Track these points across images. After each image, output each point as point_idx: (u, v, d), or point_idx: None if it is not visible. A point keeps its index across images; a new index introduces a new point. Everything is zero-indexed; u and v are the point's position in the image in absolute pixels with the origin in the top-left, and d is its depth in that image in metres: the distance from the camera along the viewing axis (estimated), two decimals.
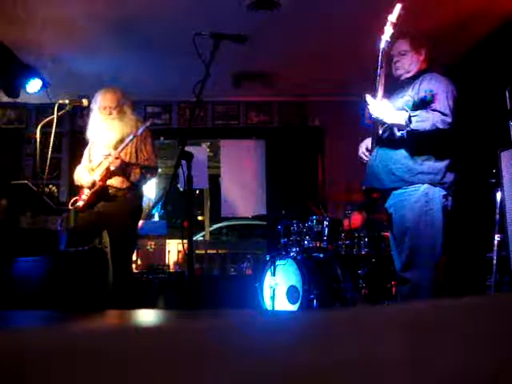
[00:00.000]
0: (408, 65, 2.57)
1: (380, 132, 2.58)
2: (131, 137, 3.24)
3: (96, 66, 4.61)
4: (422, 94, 2.39)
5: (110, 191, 3.27)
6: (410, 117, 2.33)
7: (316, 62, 4.68)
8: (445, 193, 2.42)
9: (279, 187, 5.50)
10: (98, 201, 3.28)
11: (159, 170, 6.06)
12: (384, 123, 2.50)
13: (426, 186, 2.40)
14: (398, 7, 2.37)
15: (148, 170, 3.37)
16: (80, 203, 3.30)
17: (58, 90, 4.71)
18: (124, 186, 3.28)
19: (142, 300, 4.12)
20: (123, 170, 3.25)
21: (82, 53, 4.38)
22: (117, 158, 3.20)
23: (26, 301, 2.57)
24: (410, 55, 2.55)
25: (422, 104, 2.38)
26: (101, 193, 3.26)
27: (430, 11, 3.67)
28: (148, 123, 3.33)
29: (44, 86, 4.59)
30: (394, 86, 2.63)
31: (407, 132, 2.38)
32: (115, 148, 3.28)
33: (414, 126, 2.33)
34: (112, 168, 3.22)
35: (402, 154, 2.46)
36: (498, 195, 3.03)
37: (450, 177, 2.43)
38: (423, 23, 3.55)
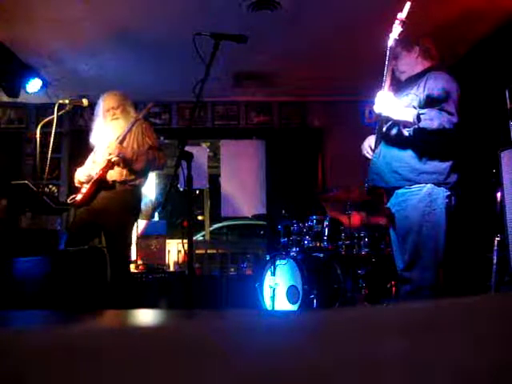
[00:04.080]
0: (401, 65, 2.57)
1: (384, 130, 2.57)
2: (133, 121, 3.26)
3: (96, 65, 4.61)
4: (435, 93, 2.36)
5: (108, 182, 3.27)
6: (418, 114, 2.32)
7: (316, 62, 4.68)
8: (449, 193, 2.41)
9: (279, 187, 5.50)
10: (96, 192, 3.26)
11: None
12: (390, 119, 2.48)
13: (429, 186, 2.39)
14: (407, 5, 2.36)
15: (153, 155, 3.31)
16: (79, 197, 3.29)
17: (58, 90, 4.72)
18: (122, 179, 3.27)
19: (141, 300, 4.12)
20: (124, 159, 3.23)
21: (81, 53, 4.38)
22: (116, 147, 3.20)
23: (26, 301, 2.57)
24: (402, 56, 2.56)
25: (433, 102, 2.36)
26: (100, 183, 3.25)
27: (430, 11, 3.67)
28: (150, 105, 3.35)
29: (44, 85, 4.60)
30: (399, 85, 2.62)
31: (414, 130, 2.37)
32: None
33: (422, 124, 2.32)
34: (113, 157, 3.20)
35: (406, 153, 2.45)
36: (498, 195, 3.03)
37: (453, 177, 2.43)
38: (423, 23, 3.55)
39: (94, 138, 3.47)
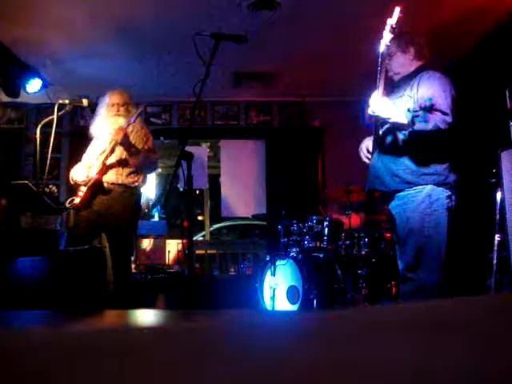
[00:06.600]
0: (396, 66, 2.57)
1: (380, 133, 2.57)
2: (125, 125, 3.26)
3: (96, 65, 4.61)
4: (428, 94, 2.36)
5: (105, 186, 3.28)
6: (412, 117, 2.32)
7: (316, 62, 4.68)
8: (449, 193, 2.41)
9: (279, 187, 5.50)
10: (93, 196, 3.27)
11: (159, 170, 6.09)
12: (386, 121, 2.49)
13: (429, 187, 2.39)
14: (397, 11, 2.36)
15: (148, 154, 3.36)
16: (77, 200, 3.29)
17: (57, 89, 4.72)
18: (119, 182, 3.28)
19: (141, 300, 4.12)
20: (127, 144, 3.26)
21: (82, 53, 4.38)
22: (118, 133, 3.20)
23: (26, 301, 2.57)
24: (396, 56, 2.55)
25: (427, 103, 2.36)
26: (96, 187, 3.25)
27: (430, 10, 3.67)
28: (140, 109, 3.34)
29: (44, 85, 4.60)
30: (393, 86, 2.62)
31: (409, 132, 2.38)
32: None
33: (416, 126, 2.32)
34: (117, 139, 3.21)
35: (404, 155, 2.45)
36: (498, 195, 3.02)
37: (452, 176, 2.43)
38: (423, 22, 3.55)
39: (94, 130, 3.49)
